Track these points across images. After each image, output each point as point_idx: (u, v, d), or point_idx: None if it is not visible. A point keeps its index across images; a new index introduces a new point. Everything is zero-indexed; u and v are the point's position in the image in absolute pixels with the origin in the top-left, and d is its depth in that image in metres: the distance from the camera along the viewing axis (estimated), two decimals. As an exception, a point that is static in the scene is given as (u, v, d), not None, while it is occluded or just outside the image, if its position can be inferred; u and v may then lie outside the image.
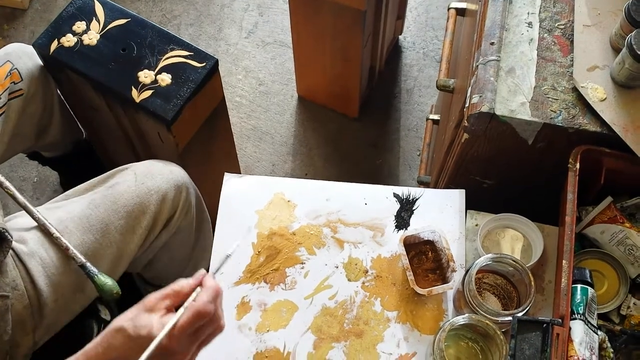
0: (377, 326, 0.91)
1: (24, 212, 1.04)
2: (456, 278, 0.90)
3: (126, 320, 0.70)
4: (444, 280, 0.93)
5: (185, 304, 0.71)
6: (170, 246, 1.18)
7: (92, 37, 1.19)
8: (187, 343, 0.71)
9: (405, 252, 0.91)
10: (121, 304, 1.46)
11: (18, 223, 1.02)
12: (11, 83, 1.15)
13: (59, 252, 0.99)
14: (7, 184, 1.03)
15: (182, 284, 0.73)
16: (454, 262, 0.91)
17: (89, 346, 0.72)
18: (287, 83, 1.87)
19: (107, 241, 1.03)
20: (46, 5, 1.99)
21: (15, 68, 1.16)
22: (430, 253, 0.96)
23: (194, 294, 0.72)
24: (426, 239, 0.95)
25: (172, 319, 0.70)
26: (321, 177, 1.73)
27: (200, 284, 0.73)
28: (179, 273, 1.30)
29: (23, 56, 1.19)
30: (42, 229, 1.00)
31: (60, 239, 0.99)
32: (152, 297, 0.72)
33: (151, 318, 0.70)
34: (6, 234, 0.91)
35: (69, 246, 0.99)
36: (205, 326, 0.72)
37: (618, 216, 0.88)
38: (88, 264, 0.99)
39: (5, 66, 1.16)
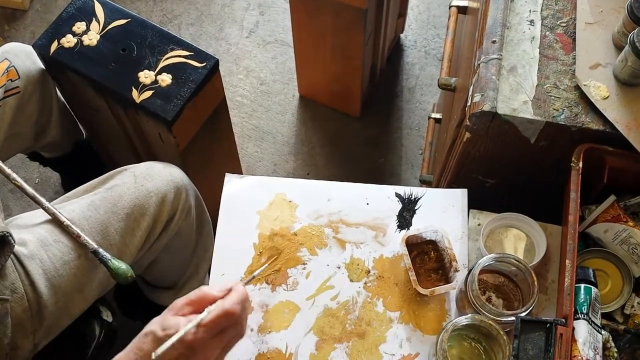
0: (379, 327, 0.91)
1: (22, 215, 1.04)
2: (459, 278, 0.89)
3: (154, 324, 0.72)
4: (447, 280, 0.92)
5: (212, 306, 0.71)
6: (171, 248, 1.18)
7: (92, 38, 1.19)
8: (211, 343, 0.71)
9: (407, 252, 0.91)
10: (124, 305, 1.46)
11: (17, 225, 1.02)
12: (8, 80, 1.15)
13: (59, 252, 0.99)
14: (14, 175, 1.03)
15: (209, 290, 0.73)
16: (456, 262, 0.90)
17: (119, 355, 0.73)
18: (289, 82, 1.87)
19: (107, 243, 1.03)
20: (46, 6, 1.99)
21: (13, 66, 1.16)
22: (432, 253, 0.95)
23: (211, 308, 0.72)
24: (428, 238, 0.95)
25: (199, 316, 0.71)
26: (323, 176, 1.73)
27: (226, 293, 0.73)
28: (181, 274, 1.30)
29: (21, 55, 1.19)
30: (50, 220, 1.00)
31: (70, 226, 0.99)
32: (178, 302, 0.73)
33: (178, 319, 0.71)
34: (9, 237, 0.91)
35: (80, 233, 0.99)
36: (230, 328, 0.72)
37: (621, 215, 0.88)
38: (100, 250, 0.99)
39: (3, 64, 1.16)
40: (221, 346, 0.72)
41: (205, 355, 0.71)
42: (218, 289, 0.75)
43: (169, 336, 0.69)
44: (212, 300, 0.73)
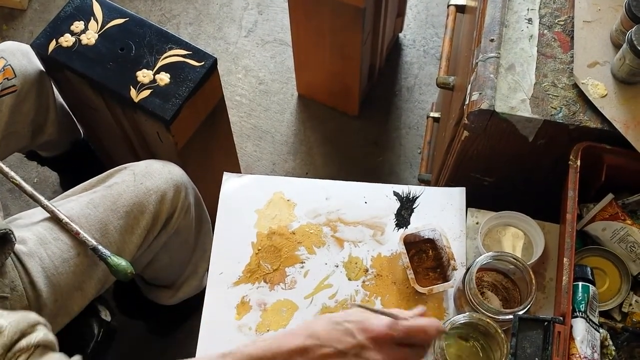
0: (377, 325, 0.91)
1: (21, 214, 1.04)
2: (457, 276, 0.89)
3: (334, 314, 0.67)
4: (445, 278, 0.92)
5: (413, 318, 0.66)
6: (170, 246, 1.18)
7: (90, 37, 1.19)
8: (392, 351, 0.65)
9: (405, 251, 0.91)
10: (123, 304, 1.46)
11: (17, 224, 1.02)
12: (4, 79, 1.15)
13: (58, 250, 0.99)
14: (13, 174, 1.03)
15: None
16: (454, 260, 0.90)
17: (280, 332, 0.69)
18: (287, 81, 1.87)
19: (106, 241, 1.03)
20: (45, 6, 1.99)
21: (9, 64, 1.16)
22: (430, 251, 0.95)
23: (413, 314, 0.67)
24: (426, 237, 0.95)
25: (393, 311, 0.66)
26: (322, 175, 1.73)
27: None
28: (180, 273, 1.30)
29: (17, 53, 1.19)
30: (49, 218, 1.00)
31: (69, 223, 0.99)
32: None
33: (363, 313, 0.66)
34: (10, 235, 0.91)
35: (79, 230, 0.99)
36: (416, 349, 0.67)
37: (619, 213, 0.88)
38: (100, 247, 0.99)
39: None
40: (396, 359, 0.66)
41: (381, 358, 0.65)
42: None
43: (349, 321, 0.65)
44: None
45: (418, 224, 0.97)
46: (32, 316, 0.72)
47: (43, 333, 0.71)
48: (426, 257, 0.95)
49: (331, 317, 0.67)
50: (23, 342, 0.69)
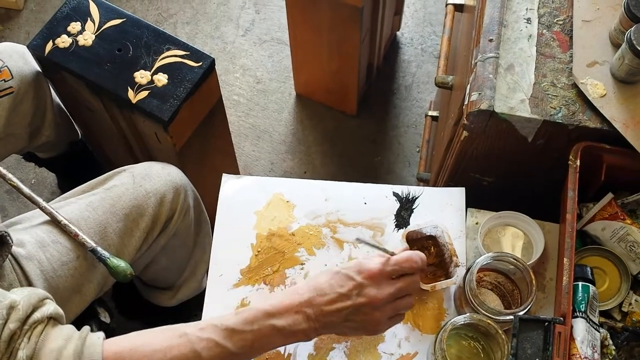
0: (378, 326, 0.91)
1: (20, 217, 1.04)
2: (459, 273, 0.89)
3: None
4: (447, 275, 0.92)
5: (397, 254, 0.76)
6: (169, 248, 1.18)
7: (87, 38, 1.19)
8: (388, 284, 0.74)
9: (408, 248, 0.91)
10: (122, 306, 1.46)
11: (16, 227, 1.02)
12: (1, 80, 1.14)
13: (57, 253, 0.99)
14: (10, 176, 1.03)
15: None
16: (457, 257, 0.90)
17: (289, 289, 0.78)
18: (285, 81, 1.86)
19: (106, 244, 1.02)
20: (41, 6, 1.98)
21: (6, 66, 1.16)
22: (432, 248, 0.95)
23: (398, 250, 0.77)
24: (429, 234, 0.95)
25: (386, 255, 0.75)
26: (320, 174, 1.73)
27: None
28: (179, 275, 1.30)
29: (14, 55, 1.19)
30: (48, 221, 1.00)
31: (68, 225, 0.99)
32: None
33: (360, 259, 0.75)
34: (7, 237, 0.91)
35: (78, 232, 0.99)
36: (407, 279, 0.75)
37: (619, 213, 0.88)
38: (99, 248, 0.99)
39: None
40: (393, 295, 0.74)
41: (379, 293, 0.73)
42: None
43: (348, 267, 0.74)
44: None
45: (420, 222, 0.96)
46: (40, 291, 0.74)
47: (53, 306, 0.74)
48: (428, 254, 0.95)
49: (331, 268, 0.76)
50: (37, 315, 0.71)
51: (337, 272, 0.74)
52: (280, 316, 0.72)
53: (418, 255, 0.76)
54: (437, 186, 1.08)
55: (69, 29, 1.19)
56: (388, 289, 0.74)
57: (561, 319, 0.77)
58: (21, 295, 0.71)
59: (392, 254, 0.76)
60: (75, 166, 1.55)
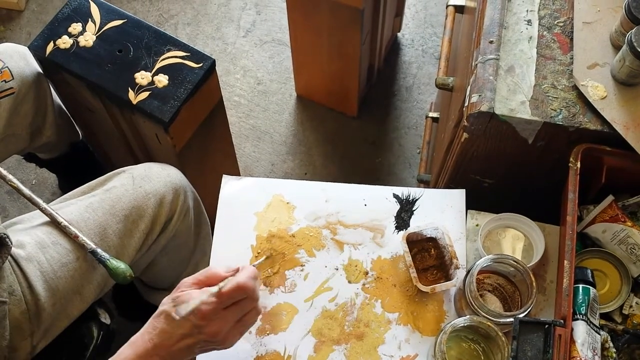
0: (378, 328, 0.91)
1: (20, 217, 1.04)
2: (459, 275, 0.89)
3: (165, 304, 0.77)
4: (447, 277, 0.92)
5: (221, 284, 0.75)
6: (169, 249, 1.17)
7: (88, 39, 1.19)
8: (225, 316, 0.75)
9: (408, 250, 0.91)
10: (122, 307, 1.46)
11: (16, 228, 1.02)
12: (2, 81, 1.15)
13: (57, 254, 0.99)
14: (10, 177, 1.02)
15: (216, 270, 0.77)
16: (457, 259, 0.90)
17: (135, 336, 0.77)
18: (286, 82, 1.86)
19: (105, 245, 1.02)
20: (42, 7, 1.98)
21: (7, 67, 1.16)
22: (433, 250, 0.95)
23: (226, 280, 0.76)
24: (429, 236, 0.95)
25: (213, 288, 0.75)
26: (320, 176, 1.73)
27: (233, 273, 0.77)
28: (179, 276, 1.29)
29: (15, 55, 1.19)
30: (48, 222, 1.00)
31: (68, 227, 0.99)
32: (186, 281, 0.78)
33: (190, 293, 0.76)
34: (6, 239, 0.91)
35: (78, 233, 0.99)
36: (245, 302, 0.76)
37: (620, 215, 0.88)
38: (99, 250, 0.99)
39: None
40: (234, 320, 0.76)
41: (219, 326, 0.75)
42: (225, 269, 0.78)
43: (182, 308, 0.74)
44: (220, 279, 0.77)
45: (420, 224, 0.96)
46: None
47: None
48: (428, 255, 0.95)
49: (166, 310, 0.76)
50: None
51: (174, 318, 0.75)
52: None
53: (248, 277, 0.76)
54: (438, 188, 1.08)
55: (70, 29, 1.19)
56: (227, 318, 0.76)
57: (561, 321, 0.77)
58: None
59: (219, 289, 0.76)
60: (76, 167, 1.54)
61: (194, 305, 0.74)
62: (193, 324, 0.75)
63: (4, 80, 1.15)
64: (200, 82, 1.16)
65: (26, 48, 1.21)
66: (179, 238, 1.17)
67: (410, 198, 0.99)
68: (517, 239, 0.94)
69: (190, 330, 0.75)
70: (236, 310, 0.77)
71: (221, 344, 0.78)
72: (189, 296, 0.76)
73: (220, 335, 0.76)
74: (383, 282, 0.94)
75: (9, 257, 0.94)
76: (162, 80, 1.15)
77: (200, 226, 1.25)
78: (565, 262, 0.80)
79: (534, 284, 0.82)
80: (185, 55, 1.18)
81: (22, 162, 1.66)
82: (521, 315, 0.79)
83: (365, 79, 1.73)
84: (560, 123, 0.86)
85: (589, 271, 0.82)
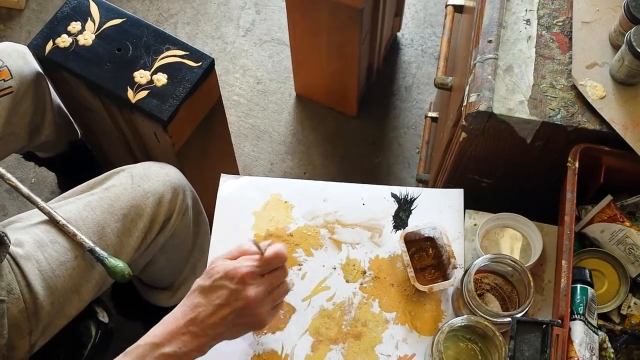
0: (375, 328, 0.90)
1: (18, 216, 1.04)
2: (457, 275, 0.89)
3: (198, 282, 0.76)
4: (445, 277, 0.92)
5: (263, 247, 0.76)
6: (168, 248, 1.17)
7: (87, 38, 1.19)
8: (262, 282, 0.75)
9: (406, 249, 0.91)
10: (121, 306, 1.46)
11: (14, 226, 1.02)
12: (1, 80, 1.15)
13: (56, 252, 0.99)
14: (9, 175, 1.03)
15: (249, 245, 0.77)
16: (455, 259, 0.90)
17: (167, 315, 0.76)
18: (285, 81, 1.86)
19: (104, 244, 1.02)
20: (42, 6, 1.98)
21: (5, 65, 1.16)
22: (430, 250, 0.95)
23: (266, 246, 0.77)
24: (427, 235, 0.95)
25: (255, 255, 0.76)
26: (320, 175, 1.73)
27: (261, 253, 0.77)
28: (177, 275, 1.29)
29: (13, 54, 1.19)
30: (47, 220, 1.00)
31: (66, 225, 0.99)
32: (219, 256, 0.78)
33: (224, 262, 0.76)
34: (5, 238, 0.91)
35: (76, 232, 0.99)
36: (279, 272, 0.77)
37: (618, 215, 0.87)
38: (97, 248, 0.99)
39: None
40: (269, 289, 0.77)
41: (256, 293, 0.75)
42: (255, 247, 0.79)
43: (215, 279, 0.75)
44: (253, 254, 0.77)
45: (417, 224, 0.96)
46: None
47: None
48: (426, 255, 0.95)
49: (201, 284, 0.76)
50: None
51: (210, 285, 0.75)
52: (168, 343, 0.73)
53: (284, 247, 0.78)
54: (436, 187, 1.08)
55: (69, 28, 1.19)
56: (262, 286, 0.76)
57: (559, 321, 0.77)
58: None
59: (262, 253, 0.77)
60: (74, 165, 1.55)
61: (233, 265, 0.74)
62: (230, 290, 0.74)
63: (3, 79, 1.15)
64: (199, 81, 1.16)
65: (25, 47, 1.21)
66: (177, 237, 1.17)
67: (409, 197, 0.99)
68: (515, 239, 0.94)
69: (227, 299, 0.74)
70: (272, 279, 0.77)
71: (256, 318, 0.77)
72: (221, 266, 0.76)
73: (256, 303, 0.75)
74: (381, 281, 0.94)
75: (7, 255, 0.94)
76: (161, 79, 1.15)
77: (199, 225, 1.25)
78: (563, 262, 0.80)
79: (532, 283, 0.82)
80: (185, 54, 1.18)
81: (21, 160, 1.66)
82: (519, 315, 0.79)
83: (364, 79, 1.73)
84: (559, 123, 0.86)
85: (587, 271, 0.82)
